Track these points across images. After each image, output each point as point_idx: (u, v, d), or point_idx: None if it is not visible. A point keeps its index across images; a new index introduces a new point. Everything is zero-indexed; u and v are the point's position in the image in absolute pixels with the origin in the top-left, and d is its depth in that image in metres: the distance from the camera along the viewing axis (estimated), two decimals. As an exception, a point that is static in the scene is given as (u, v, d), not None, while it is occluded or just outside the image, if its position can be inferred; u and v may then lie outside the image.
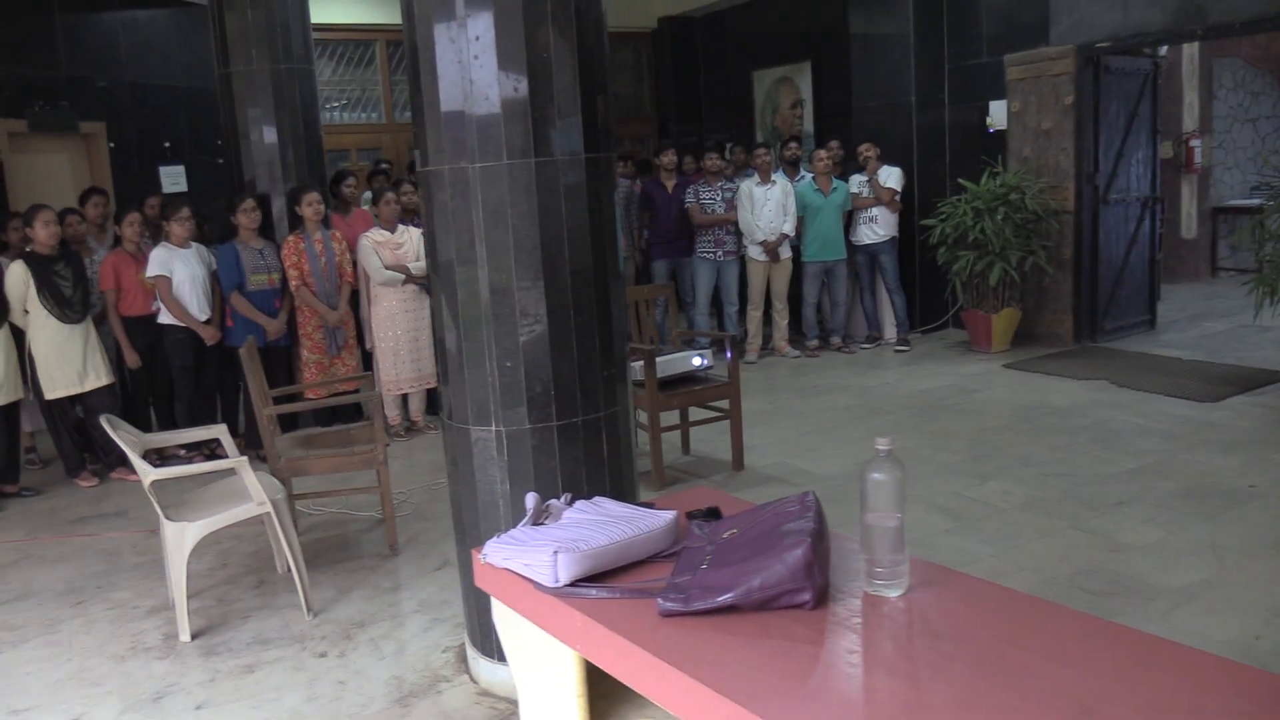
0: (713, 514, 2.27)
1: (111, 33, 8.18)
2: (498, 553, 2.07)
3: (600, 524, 2.10)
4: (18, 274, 5.58)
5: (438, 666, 3.49)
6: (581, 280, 3.03)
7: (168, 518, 3.76)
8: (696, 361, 5.31)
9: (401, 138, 10.50)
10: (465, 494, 3.17)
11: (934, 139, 8.93)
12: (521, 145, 2.89)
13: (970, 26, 8.66)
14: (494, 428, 3.05)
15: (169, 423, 6.34)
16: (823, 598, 1.85)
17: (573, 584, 1.94)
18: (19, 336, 5.69)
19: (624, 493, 3.25)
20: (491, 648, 3.25)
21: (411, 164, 8.05)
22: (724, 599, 1.81)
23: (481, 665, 3.30)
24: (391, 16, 10.17)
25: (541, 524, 2.22)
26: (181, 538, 3.71)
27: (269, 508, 3.80)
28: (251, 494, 3.77)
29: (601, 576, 1.98)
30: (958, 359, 7.97)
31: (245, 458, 3.78)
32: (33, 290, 5.59)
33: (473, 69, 2.87)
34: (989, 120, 8.57)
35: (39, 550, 4.92)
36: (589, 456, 3.12)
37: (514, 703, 3.17)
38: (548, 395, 3.03)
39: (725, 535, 2.07)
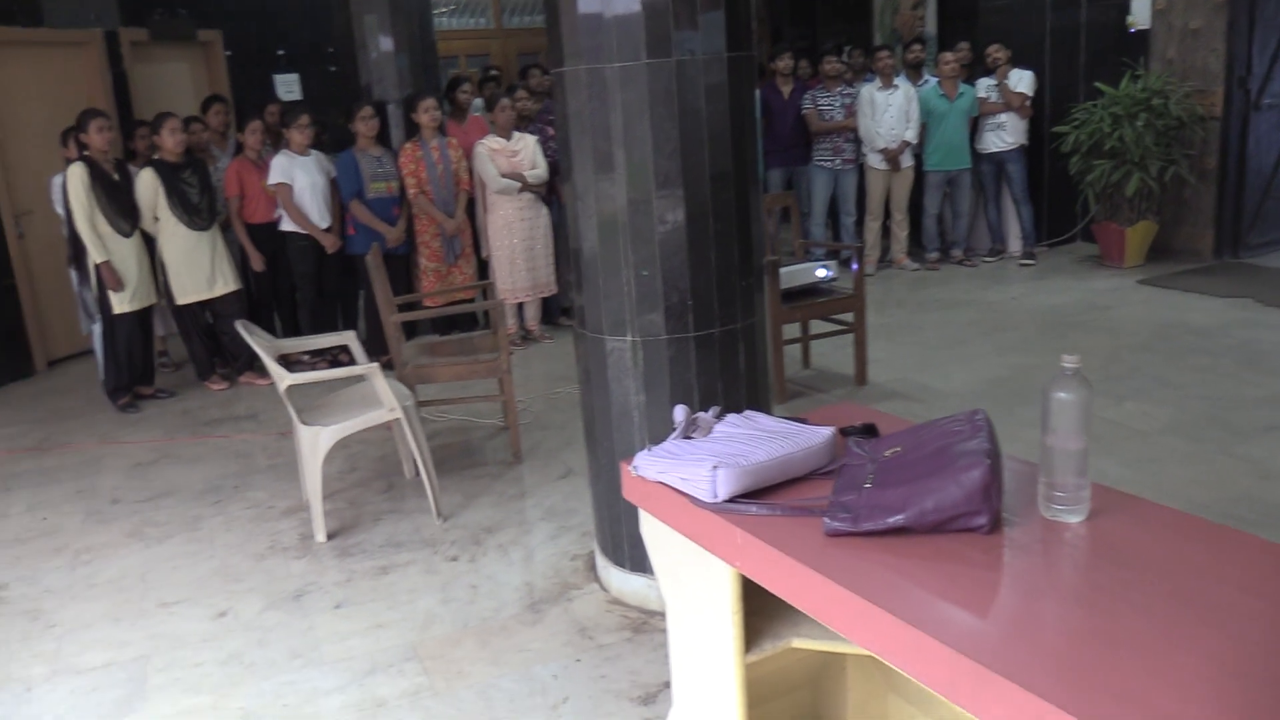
0: (869, 431, 2.18)
1: (227, -61, 8.20)
2: (650, 466, 2.01)
3: (756, 439, 2.03)
4: (147, 181, 5.69)
5: (567, 574, 3.51)
6: (721, 186, 2.91)
7: (303, 422, 3.83)
8: (821, 273, 5.16)
9: (510, 44, 10.37)
10: (599, 404, 3.13)
11: (1068, 40, 8.40)
12: (661, 44, 2.76)
13: (1113, -84, 8.06)
14: (629, 337, 2.99)
15: (292, 328, 6.48)
16: (997, 522, 1.76)
17: (731, 500, 1.88)
18: (150, 244, 5.83)
19: (760, 406, 3.18)
20: (623, 557, 3.24)
21: (524, 70, 7.94)
22: (894, 520, 1.72)
23: (612, 574, 3.30)
24: (500, -83, 9.96)
25: (691, 437, 2.17)
26: (316, 442, 3.78)
27: (400, 413, 3.84)
28: (382, 400, 3.80)
29: (760, 493, 1.92)
30: (1088, 274, 7.62)
31: (376, 364, 3.81)
32: (162, 197, 5.70)
33: (612, -38, 2.73)
34: (1129, 19, 8.01)
35: (177, 450, 5.10)
36: (725, 368, 3.04)
37: (646, 612, 3.17)
38: (684, 305, 2.94)
39: (887, 453, 1.98)
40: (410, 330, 6.03)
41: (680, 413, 2.19)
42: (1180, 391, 4.95)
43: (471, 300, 6.27)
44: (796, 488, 1.96)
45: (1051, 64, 8.36)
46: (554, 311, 7.01)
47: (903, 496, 1.74)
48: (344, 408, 3.98)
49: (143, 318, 5.81)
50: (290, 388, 3.79)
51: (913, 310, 6.86)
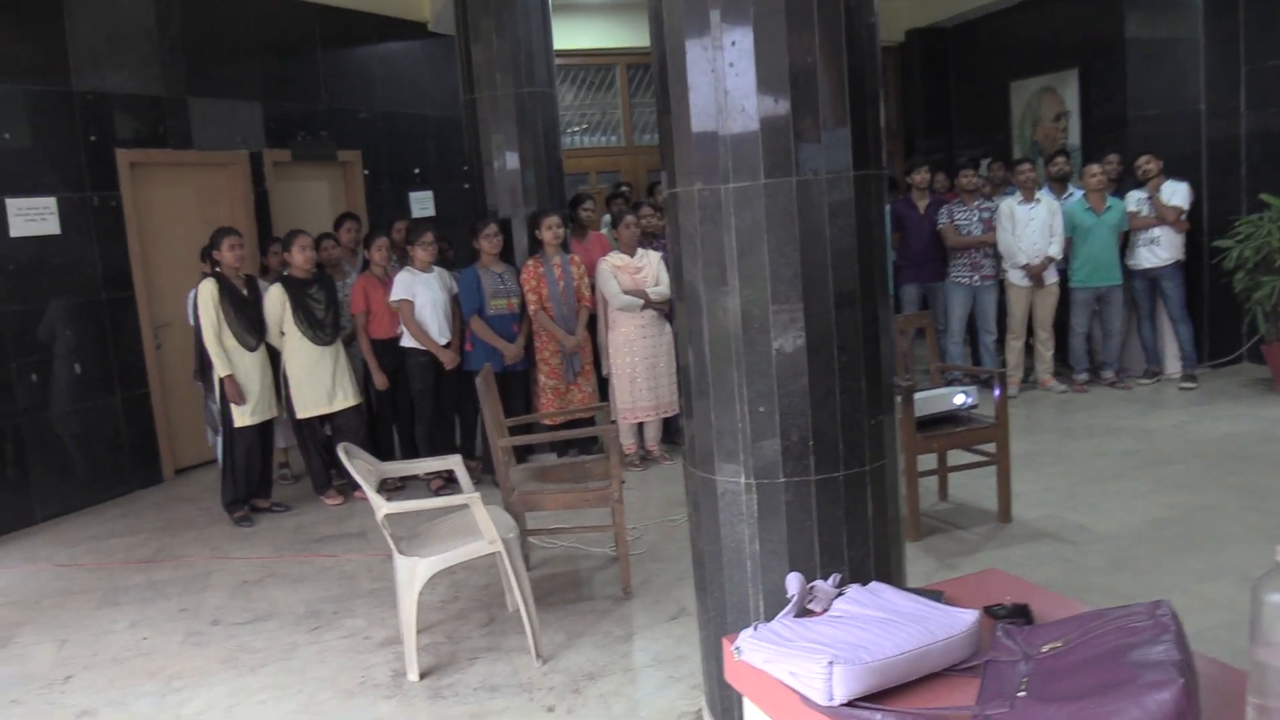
0: (1020, 613, 1.83)
1: (366, 65, 8.53)
2: (756, 651, 1.71)
3: (883, 623, 1.71)
4: (275, 297, 5.77)
5: (672, 735, 3.17)
6: (847, 313, 2.64)
7: (400, 552, 3.65)
8: (959, 400, 4.78)
9: (640, 160, 10.43)
10: (709, 547, 2.84)
11: (1227, 151, 7.89)
12: (781, 163, 2.55)
13: (1273, 24, 7.60)
14: (743, 479, 2.71)
15: (409, 443, 6.41)
16: (1195, 753, 1.38)
17: (850, 703, 1.56)
18: (275, 357, 5.89)
19: (889, 559, 2.83)
20: (733, 719, 2.89)
21: (651, 187, 7.92)
22: (1060, 748, 1.37)
23: (721, 741, 2.95)
24: (633, 40, 10.14)
25: (810, 610, 1.86)
26: (413, 574, 3.59)
27: (500, 546, 3.62)
28: (483, 531, 3.60)
29: (887, 692, 1.59)
30: (1257, 400, 6.95)
31: (478, 494, 3.62)
32: (289, 312, 5.77)
33: (728, 78, 2.55)
34: (1298, 127, 7.48)
35: (283, 568, 5.01)
36: (850, 516, 2.71)
37: (757, 792, 2.80)
38: (805, 445, 2.65)
39: (1045, 649, 1.63)
40: (528, 450, 5.87)
41: (794, 584, 1.89)
42: (1382, 542, 4.32)
43: (589, 421, 6.08)
44: (931, 687, 1.62)
45: (1208, 176, 7.86)
46: (674, 431, 6.76)
47: (1070, 718, 1.40)
48: (445, 537, 3.79)
49: (263, 431, 5.83)
50: (390, 515, 3.62)
51: (1060, 438, 6.34)
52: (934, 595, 1.94)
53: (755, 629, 1.77)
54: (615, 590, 4.37)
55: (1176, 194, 7.38)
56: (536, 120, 6.31)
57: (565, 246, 6.24)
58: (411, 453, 6.41)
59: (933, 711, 1.53)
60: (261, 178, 7.55)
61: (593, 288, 6.25)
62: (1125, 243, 7.57)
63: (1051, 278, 7.49)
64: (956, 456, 5.14)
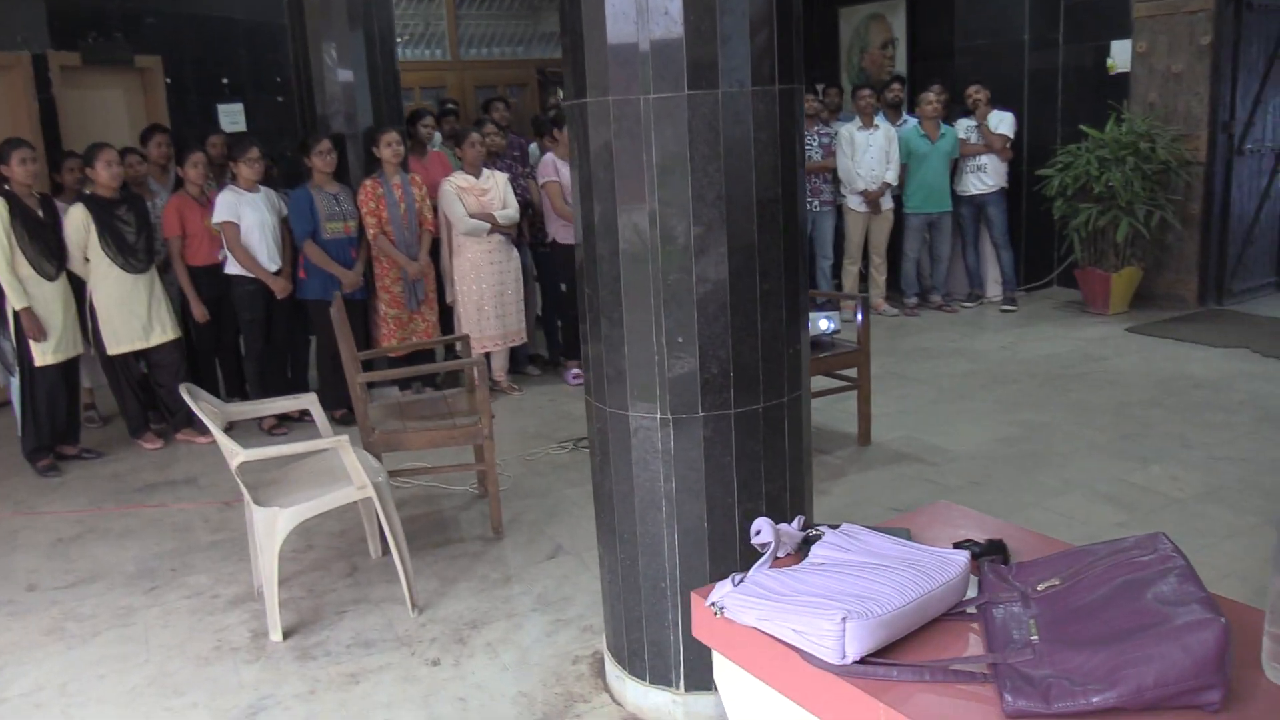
0: (997, 549, 1.76)
1: (168, -40, 7.66)
2: (745, 608, 1.56)
3: (876, 570, 1.59)
4: (77, 218, 5.12)
5: (570, 681, 3.02)
6: (770, 237, 2.49)
7: (257, 502, 3.30)
8: (824, 325, 4.77)
9: (468, 76, 9.94)
10: (618, 489, 2.67)
11: (1046, 82, 8.21)
12: (706, 74, 2.34)
13: (1092, -42, 7.91)
14: (659, 415, 2.54)
15: (237, 381, 5.91)
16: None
17: (863, 660, 1.44)
18: (78, 287, 5.25)
19: (803, 493, 2.75)
20: (642, 668, 2.77)
21: (487, 103, 7.50)
22: (1103, 699, 1.29)
23: (628, 686, 2.83)
24: (459, -55, 9.56)
25: (777, 562, 1.73)
26: (273, 525, 3.26)
27: (372, 492, 3.33)
28: (352, 477, 3.30)
29: (891, 647, 1.48)
30: (1072, 321, 7.36)
31: (345, 436, 3.30)
32: (94, 236, 5.13)
33: (648, -25, 2.31)
34: (1109, 62, 7.85)
35: (104, 522, 4.51)
36: (769, 450, 2.60)
37: (674, 737, 2.70)
38: (725, 377, 2.51)
39: (1041, 588, 1.55)
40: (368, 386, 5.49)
41: (767, 529, 1.74)
42: (1205, 453, 4.64)
43: (451, 354, 5.76)
44: (931, 635, 1.52)
45: (1030, 106, 8.16)
46: (521, 361, 6.54)
47: (1108, 665, 1.31)
48: (305, 482, 3.46)
49: (67, 370, 5.21)
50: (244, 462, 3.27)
51: (900, 360, 6.50)
52: (901, 533, 1.84)
53: (736, 582, 1.62)
54: (485, 530, 4.16)
55: (1003, 123, 7.64)
56: (372, 25, 5.82)
57: (404, 166, 5.82)
58: (238, 392, 5.91)
59: (954, 664, 1.42)
60: (47, 83, 6.67)
61: (435, 210, 5.88)
62: (954, 170, 7.79)
63: (887, 204, 7.64)
64: (818, 383, 5.16)
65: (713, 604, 1.62)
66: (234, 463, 3.22)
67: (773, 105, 2.43)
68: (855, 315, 4.91)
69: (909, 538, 1.80)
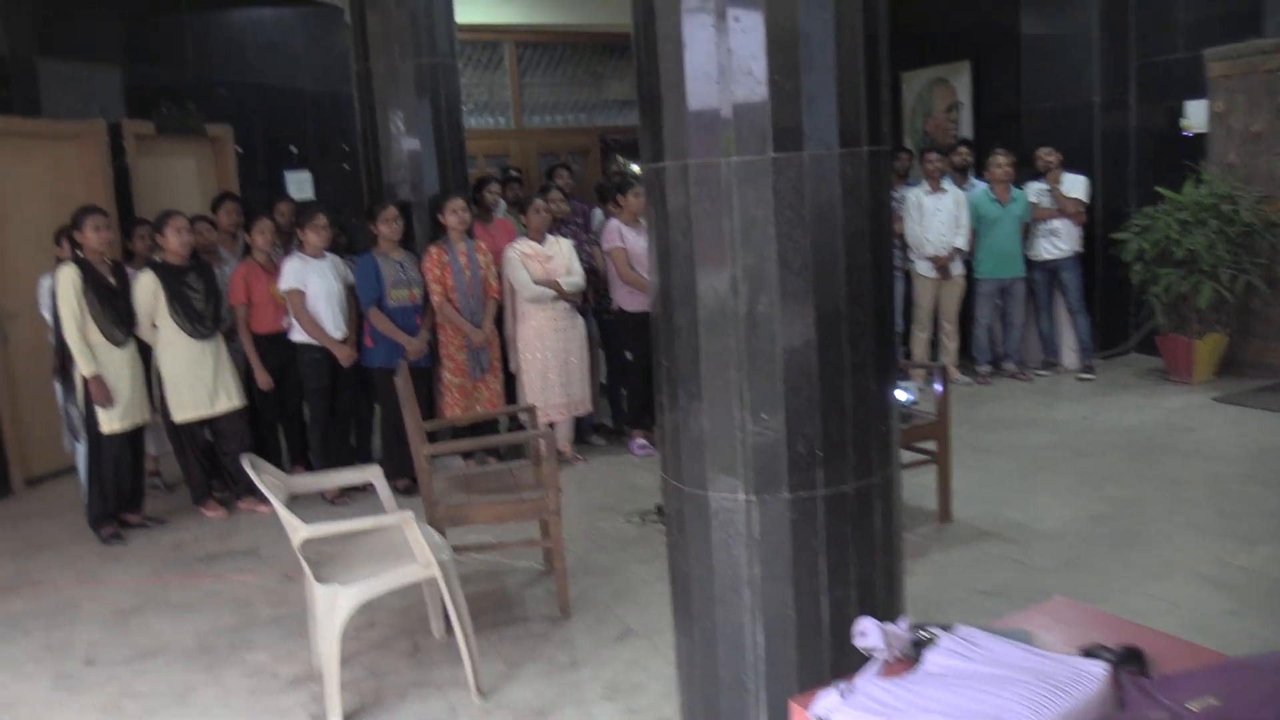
0: (1133, 658, 1.58)
1: (239, 33, 7.84)
2: (858, 722, 1.40)
3: (1001, 683, 1.42)
4: (147, 285, 5.15)
5: (642, 778, 2.84)
6: (859, 306, 2.35)
7: (318, 579, 3.20)
8: (902, 396, 4.58)
9: (531, 143, 10.02)
10: (696, 574, 2.51)
11: (1118, 144, 8.03)
12: (791, 134, 2.23)
13: (1163, 18, 7.75)
14: (741, 495, 2.39)
15: (300, 449, 5.87)
16: None
17: (998, 790, 1.26)
18: (145, 354, 5.26)
19: (895, 579, 2.57)
20: (722, 767, 2.58)
21: (551, 170, 7.51)
22: None
23: (707, 787, 2.64)
24: (523, 16, 9.70)
25: (886, 669, 1.56)
26: (334, 605, 3.14)
27: (436, 571, 3.21)
28: (416, 554, 3.18)
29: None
30: (1155, 389, 7.06)
31: (410, 513, 3.19)
32: (162, 302, 5.16)
33: (732, 36, 2.22)
34: (1184, 122, 7.64)
35: (165, 593, 4.44)
36: (859, 533, 2.44)
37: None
38: (813, 455, 2.35)
39: (1195, 708, 1.37)
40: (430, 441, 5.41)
41: (875, 633, 1.58)
42: (1314, 533, 4.35)
43: (493, 425, 5.67)
44: (1071, 758, 1.35)
45: (1101, 168, 7.96)
46: (586, 430, 6.42)
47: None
48: (368, 559, 3.35)
49: (133, 437, 5.20)
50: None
51: (976, 430, 6.26)
52: (1020, 635, 1.67)
53: (842, 693, 1.46)
54: (551, 609, 4.00)
55: (1076, 186, 7.45)
56: (439, 94, 5.85)
57: (470, 233, 5.80)
58: (301, 460, 5.86)
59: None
60: (121, 152, 6.80)
61: (500, 277, 5.83)
62: (1025, 234, 7.61)
63: (958, 269, 7.46)
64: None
65: (816, 715, 1.46)
66: (297, 539, 3.12)
67: (861, 168, 2.31)
68: (933, 385, 4.72)
69: (1029, 641, 1.63)
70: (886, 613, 2.51)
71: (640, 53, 2.41)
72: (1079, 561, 4.20)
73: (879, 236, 2.38)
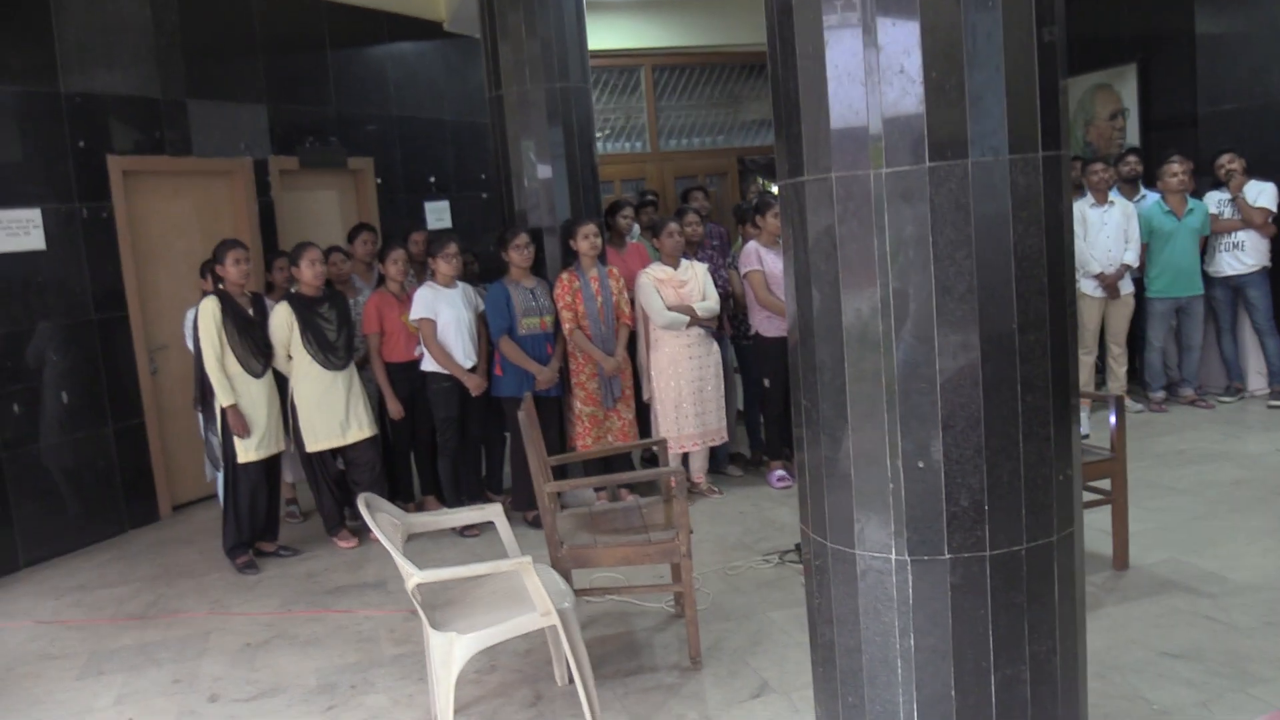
0: None
1: (379, 67, 7.94)
2: None
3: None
4: (282, 317, 5.17)
5: None
6: (1033, 339, 2.02)
7: (434, 625, 3.02)
8: (1071, 431, 4.14)
9: (667, 167, 9.85)
10: (843, 642, 2.21)
11: (1310, 148, 7.27)
12: (952, 141, 1.93)
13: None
14: (894, 555, 2.08)
15: (430, 478, 5.79)
16: None
17: None
18: (282, 384, 5.28)
19: (1076, 652, 2.20)
20: None
21: (686, 193, 7.31)
22: None
23: None
24: (659, 39, 9.56)
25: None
26: (450, 652, 2.96)
27: (556, 619, 2.99)
28: (536, 603, 2.97)
29: None
30: (1361, 420, 6.32)
31: (529, 558, 2.98)
32: (296, 333, 5.16)
33: (880, 30, 1.93)
34: (1390, 122, 6.86)
35: (292, 627, 4.38)
36: (1034, 601, 2.09)
37: None
38: (979, 510, 2.03)
39: None
40: (558, 474, 5.24)
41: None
42: None
43: (627, 459, 5.46)
44: None
45: (1291, 176, 7.22)
46: (722, 460, 6.14)
47: None
48: (486, 604, 3.16)
49: (269, 467, 5.21)
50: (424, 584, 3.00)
51: (1153, 465, 5.69)
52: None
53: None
54: (681, 658, 3.74)
55: (1263, 194, 6.77)
56: (571, 118, 5.71)
57: (602, 258, 5.63)
58: (433, 489, 5.79)
59: None
60: (266, 187, 6.95)
61: (632, 303, 5.63)
62: (1204, 248, 6.96)
63: (1127, 287, 6.88)
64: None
65: None
66: (410, 584, 2.96)
67: (1035, 177, 1.98)
68: (1108, 416, 4.26)
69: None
70: (1066, 694, 2.15)
71: (776, 53, 2.15)
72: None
73: (1059, 257, 2.04)
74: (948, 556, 2.05)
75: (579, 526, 3.84)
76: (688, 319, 5.46)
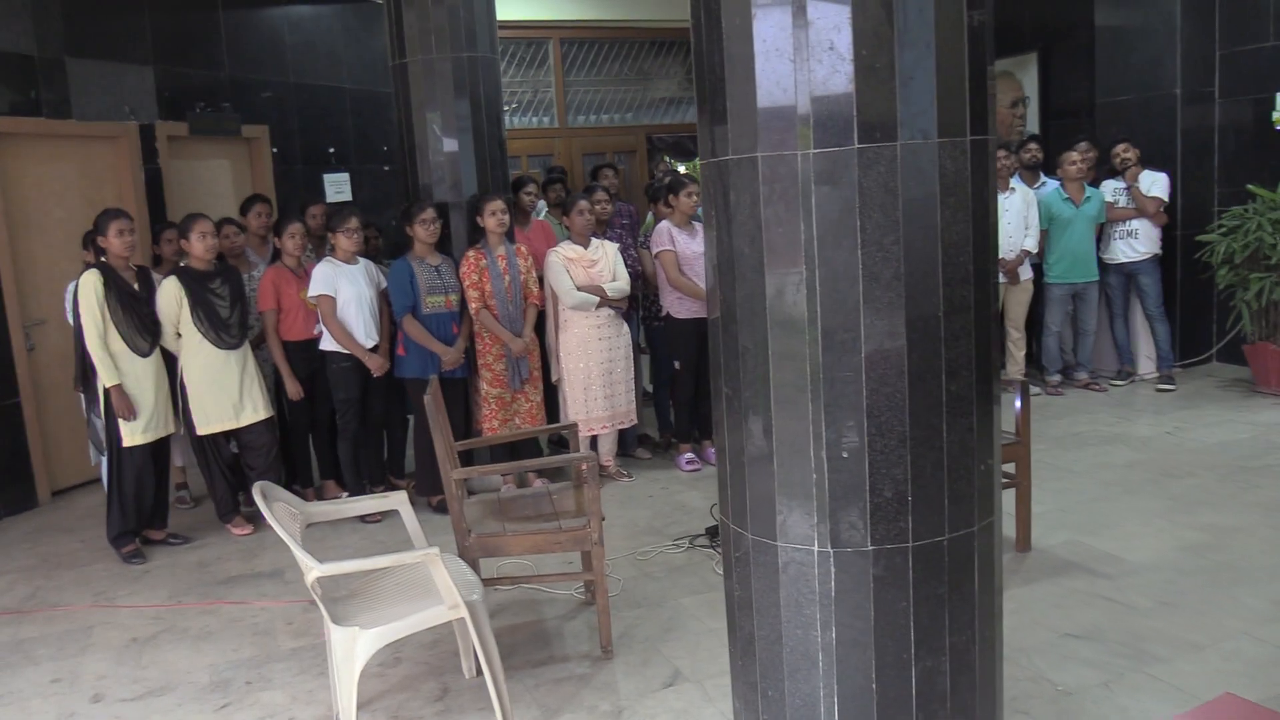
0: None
1: (276, 31, 7.60)
2: None
3: None
4: (171, 291, 4.89)
5: None
6: (958, 326, 1.98)
7: (335, 619, 2.88)
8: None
9: (575, 143, 9.71)
10: (763, 635, 2.16)
11: (1201, 139, 7.51)
12: (882, 122, 1.87)
13: (1252, 4, 7.23)
14: (816, 547, 2.03)
15: (330, 463, 5.59)
16: None
17: None
18: (170, 363, 5.01)
19: (992, 643, 2.18)
20: None
21: (595, 170, 7.20)
22: None
23: None
24: (568, 12, 9.40)
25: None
26: (352, 648, 2.83)
27: (464, 612, 2.88)
28: (443, 595, 2.86)
29: None
30: (1243, 403, 6.57)
31: (436, 549, 2.86)
32: (186, 310, 4.90)
33: (809, 6, 1.86)
34: (1275, 116, 7.13)
35: (182, 620, 4.16)
36: (955, 592, 2.06)
37: None
38: (902, 501, 1.99)
39: None
40: (464, 459, 5.10)
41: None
42: None
43: (535, 443, 5.35)
44: None
45: (1183, 166, 7.46)
46: (630, 443, 6.08)
47: None
48: (390, 597, 3.03)
49: (157, 450, 4.95)
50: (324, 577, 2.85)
51: (1051, 448, 5.83)
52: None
53: None
54: (592, 647, 3.66)
55: (1156, 184, 6.98)
56: (479, 90, 5.52)
57: (510, 236, 5.48)
58: (333, 473, 5.59)
59: None
60: (153, 154, 6.59)
61: (541, 282, 5.51)
62: (1100, 236, 7.15)
63: (1026, 273, 7.02)
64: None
65: None
66: (310, 577, 2.81)
67: (964, 161, 1.94)
68: (1013, 400, 4.31)
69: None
70: (985, 687, 2.14)
71: (700, 24, 2.06)
72: (1178, 600, 3.78)
73: (984, 245, 2.01)
74: (870, 548, 2.00)
75: (487, 514, 3.72)
76: (597, 300, 5.36)
